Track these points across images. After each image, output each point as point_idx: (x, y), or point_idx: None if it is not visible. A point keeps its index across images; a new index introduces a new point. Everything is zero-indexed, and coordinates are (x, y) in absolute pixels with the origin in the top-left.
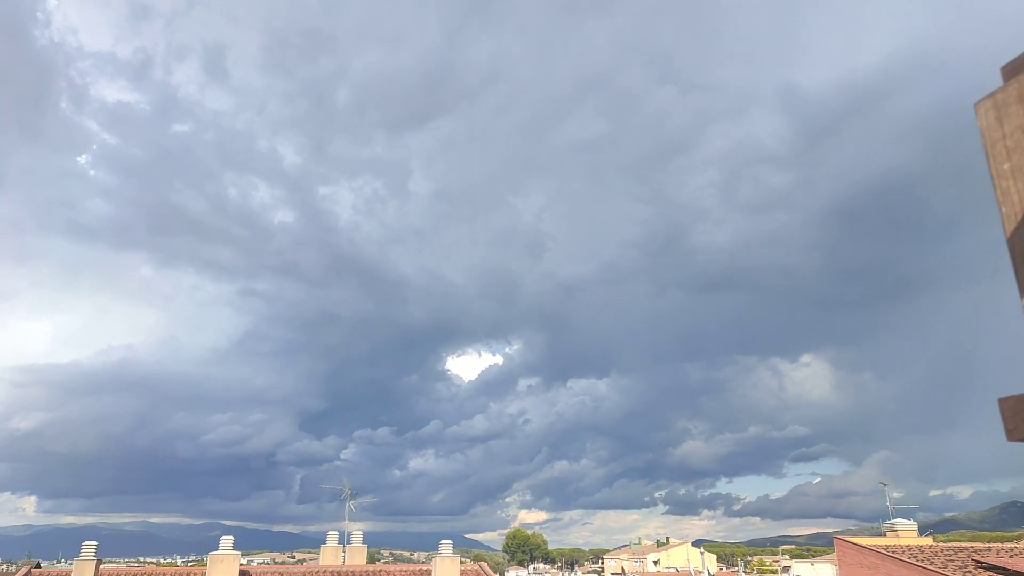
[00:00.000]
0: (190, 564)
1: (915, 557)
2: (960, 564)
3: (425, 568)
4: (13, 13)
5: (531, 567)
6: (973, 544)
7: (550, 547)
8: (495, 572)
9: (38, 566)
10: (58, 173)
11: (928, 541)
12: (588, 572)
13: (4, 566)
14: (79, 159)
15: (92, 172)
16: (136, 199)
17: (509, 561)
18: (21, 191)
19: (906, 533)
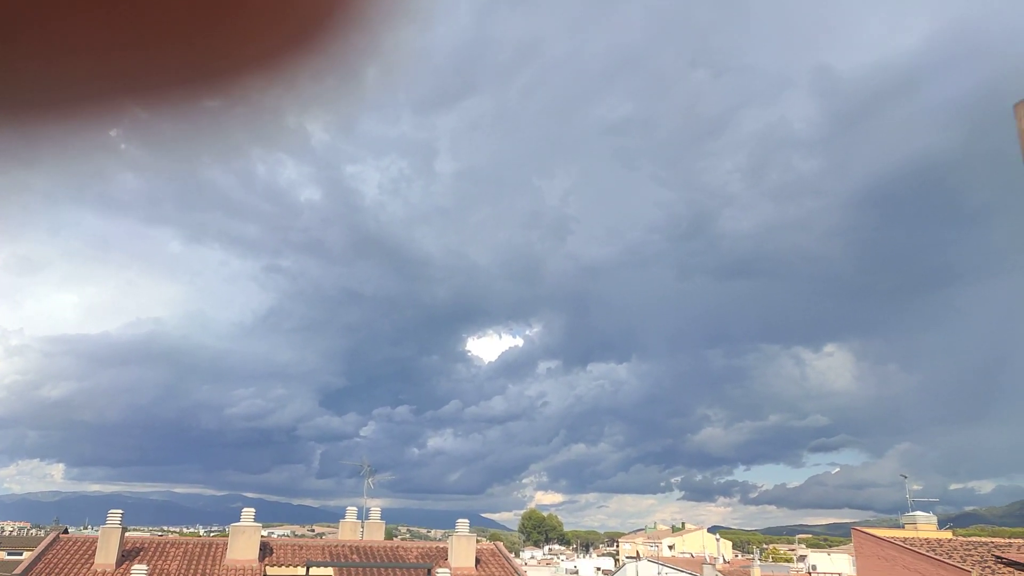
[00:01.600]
0: (212, 534)
1: (934, 551)
2: (979, 559)
3: (442, 546)
4: None
5: (546, 548)
6: (993, 539)
7: (565, 529)
8: (511, 552)
9: (66, 531)
10: (90, 145)
11: (947, 535)
12: (603, 555)
13: (33, 531)
14: (111, 132)
15: (123, 145)
16: (166, 174)
17: (524, 541)
18: (53, 163)
19: (925, 526)
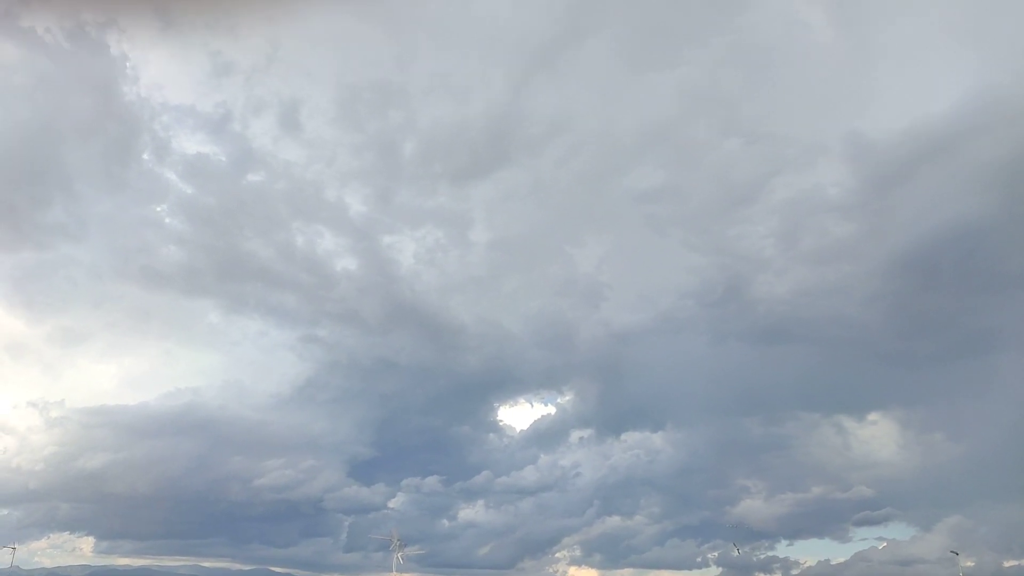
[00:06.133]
0: None
1: None
2: None
3: None
4: (106, 69)
5: None
6: None
7: None
8: None
9: None
10: (137, 221)
11: None
12: None
13: None
14: (157, 208)
15: (168, 220)
16: (208, 246)
17: None
18: (102, 238)
19: None
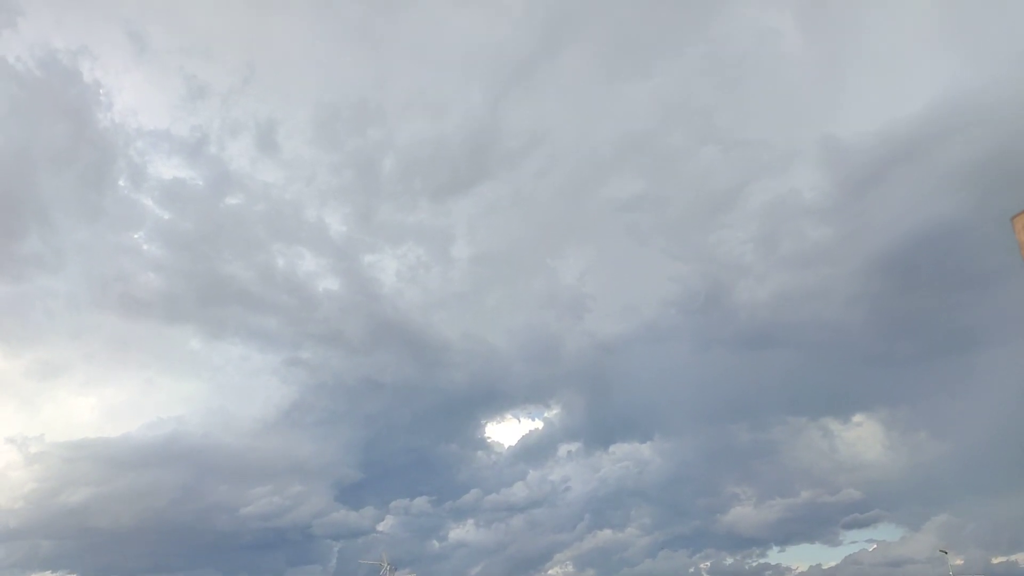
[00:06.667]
0: None
1: None
2: None
3: None
4: (79, 96)
5: None
6: None
7: None
8: None
9: None
10: (114, 249)
11: None
12: None
13: None
14: (135, 235)
15: (145, 247)
16: (187, 271)
17: None
18: (79, 268)
19: None
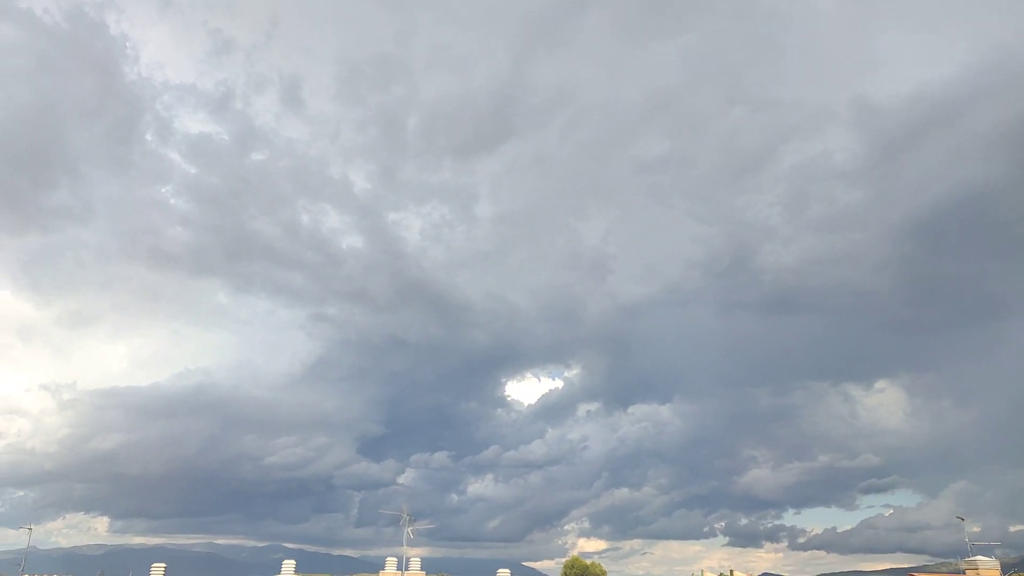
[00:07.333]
0: None
1: None
2: None
3: None
4: (106, 49)
5: None
6: None
7: None
8: None
9: None
10: (142, 202)
11: None
12: None
13: None
14: (162, 189)
15: (173, 200)
16: (214, 226)
17: None
18: (108, 220)
19: (988, 572)
